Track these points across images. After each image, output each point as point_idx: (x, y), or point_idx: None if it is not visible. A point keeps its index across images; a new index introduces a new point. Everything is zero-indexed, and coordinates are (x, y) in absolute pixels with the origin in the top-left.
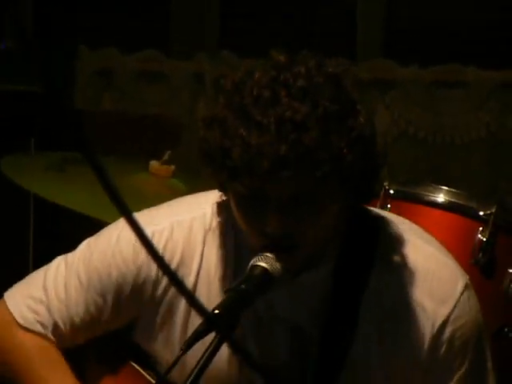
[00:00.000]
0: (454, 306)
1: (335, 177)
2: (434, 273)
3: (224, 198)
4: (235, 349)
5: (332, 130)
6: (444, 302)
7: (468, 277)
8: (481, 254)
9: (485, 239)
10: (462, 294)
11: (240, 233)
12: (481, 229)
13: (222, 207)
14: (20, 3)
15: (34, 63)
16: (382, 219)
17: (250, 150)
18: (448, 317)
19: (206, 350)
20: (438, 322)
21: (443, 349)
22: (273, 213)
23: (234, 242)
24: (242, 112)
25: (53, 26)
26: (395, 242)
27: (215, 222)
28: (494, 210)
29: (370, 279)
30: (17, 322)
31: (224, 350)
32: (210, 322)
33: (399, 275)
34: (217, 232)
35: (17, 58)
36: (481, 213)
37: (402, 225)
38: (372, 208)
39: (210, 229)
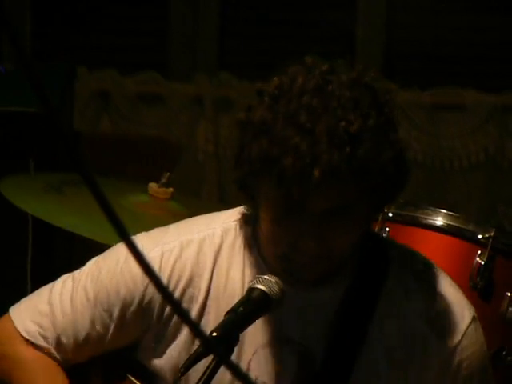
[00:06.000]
0: (462, 338)
1: (379, 190)
2: (442, 304)
3: (242, 214)
4: (232, 371)
5: (380, 143)
6: (452, 334)
7: (474, 309)
8: (479, 278)
9: (483, 262)
10: (469, 326)
11: (250, 250)
12: (479, 252)
13: (231, 226)
14: (18, 25)
15: (33, 85)
16: (392, 244)
17: (303, 158)
18: (455, 348)
19: (204, 372)
20: (445, 352)
21: (449, 379)
22: (310, 225)
23: (244, 262)
24: (291, 119)
25: (51, 47)
26: (407, 271)
27: (226, 241)
28: (492, 234)
29: (380, 304)
30: (21, 335)
31: (227, 373)
32: (208, 344)
33: (409, 304)
34: (227, 251)
35: (15, 80)
36: (479, 236)
37: (411, 253)
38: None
39: (220, 249)
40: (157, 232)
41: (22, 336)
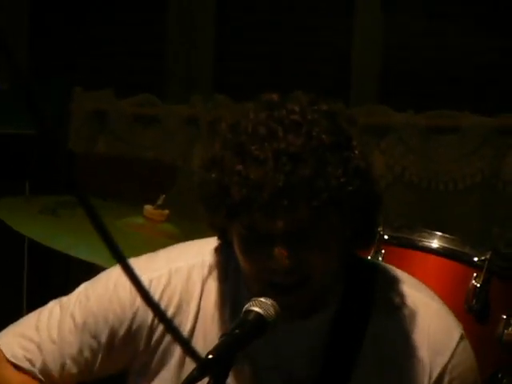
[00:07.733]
0: (451, 356)
1: (333, 207)
2: (430, 323)
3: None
4: None
5: (328, 161)
6: (441, 353)
7: (462, 326)
8: (475, 300)
9: (479, 285)
10: (458, 344)
11: (239, 280)
12: (475, 275)
13: (221, 254)
14: (15, 45)
15: (29, 105)
16: (378, 266)
17: (248, 184)
18: (445, 367)
19: None
20: (436, 372)
21: None
22: (276, 246)
23: (232, 290)
24: (239, 149)
25: (48, 67)
26: (392, 292)
27: (214, 269)
28: (488, 256)
29: (368, 328)
30: (6, 358)
31: None
32: (204, 367)
33: (397, 325)
34: (215, 280)
35: (11, 101)
36: (475, 259)
37: (396, 274)
38: (364, 256)
39: (208, 277)
40: (146, 258)
41: (8, 359)
